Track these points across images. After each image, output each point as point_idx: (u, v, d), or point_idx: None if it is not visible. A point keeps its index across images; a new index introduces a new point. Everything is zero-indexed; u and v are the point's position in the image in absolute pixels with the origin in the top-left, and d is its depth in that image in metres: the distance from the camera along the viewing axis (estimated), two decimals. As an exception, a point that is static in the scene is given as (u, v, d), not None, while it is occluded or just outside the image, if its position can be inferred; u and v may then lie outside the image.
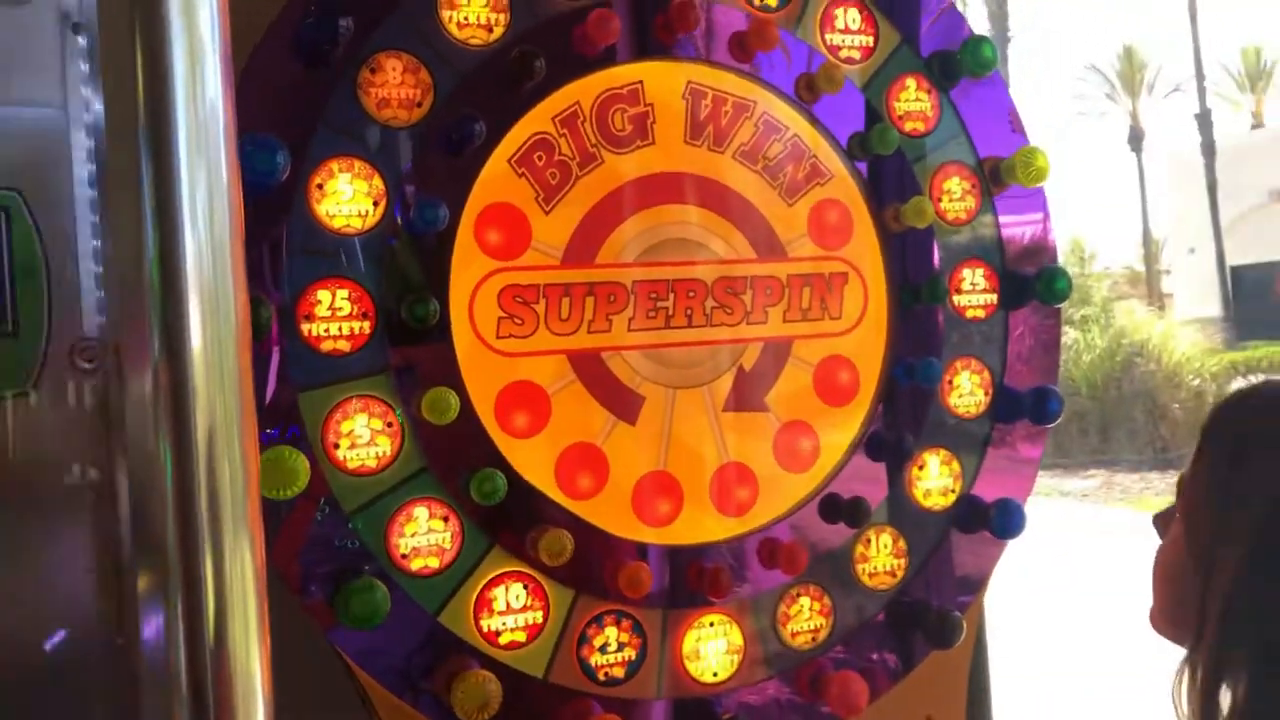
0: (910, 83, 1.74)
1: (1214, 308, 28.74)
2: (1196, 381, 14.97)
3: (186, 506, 0.86)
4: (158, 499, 0.86)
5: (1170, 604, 1.11)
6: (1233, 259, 30.25)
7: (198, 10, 0.87)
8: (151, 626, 0.85)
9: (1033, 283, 1.76)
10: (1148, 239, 35.58)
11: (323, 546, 1.42)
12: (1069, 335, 14.66)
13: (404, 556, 1.43)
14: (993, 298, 1.78)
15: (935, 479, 1.75)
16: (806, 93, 1.67)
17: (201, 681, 0.84)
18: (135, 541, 0.87)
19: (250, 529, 0.88)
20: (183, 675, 0.84)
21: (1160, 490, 12.53)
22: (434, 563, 1.45)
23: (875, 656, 1.72)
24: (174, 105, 0.85)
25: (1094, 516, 11.31)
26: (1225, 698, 0.99)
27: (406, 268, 1.46)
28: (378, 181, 1.42)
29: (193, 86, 0.86)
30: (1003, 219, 1.79)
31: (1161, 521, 1.16)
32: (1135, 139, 35.91)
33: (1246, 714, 0.96)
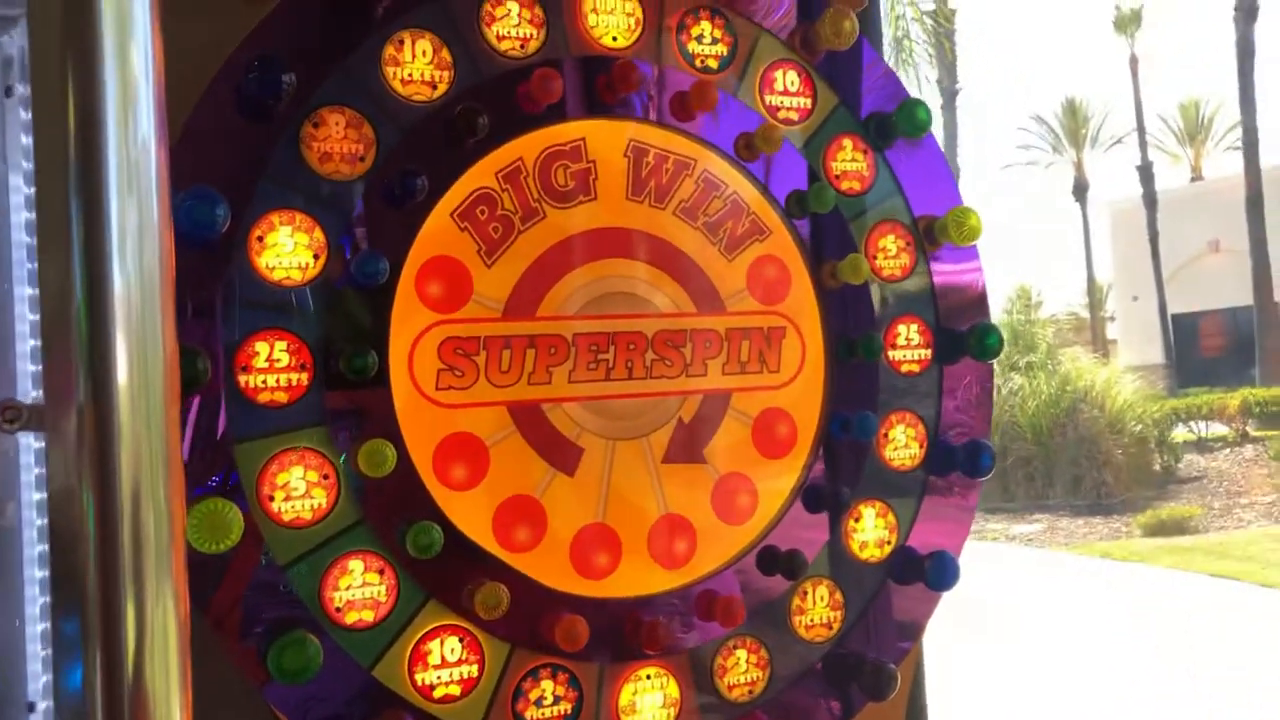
0: (847, 143, 1.78)
1: (1157, 354, 29.35)
2: (1139, 427, 15.23)
3: (109, 553, 0.85)
4: (80, 545, 0.86)
5: None
6: (1174, 307, 30.97)
7: (131, 51, 0.88)
8: (71, 676, 0.85)
9: (966, 338, 1.80)
10: (1092, 287, 36.28)
11: (258, 599, 1.41)
12: (1015, 381, 14.89)
13: (338, 610, 1.42)
14: (927, 353, 1.81)
15: (871, 531, 1.77)
16: (746, 151, 1.70)
17: (120, 731, 0.83)
18: (55, 588, 0.87)
19: (174, 578, 0.88)
20: (100, 726, 0.83)
21: (1103, 535, 12.70)
22: (369, 616, 1.44)
23: (812, 708, 1.73)
24: (105, 145, 0.86)
25: (1038, 560, 11.41)
26: None
27: (346, 320, 1.46)
28: (319, 234, 1.43)
29: (125, 127, 0.87)
30: (937, 276, 1.83)
31: None
32: (1079, 189, 36.72)
33: None
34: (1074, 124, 36.47)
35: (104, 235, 0.87)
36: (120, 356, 0.87)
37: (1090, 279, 36.93)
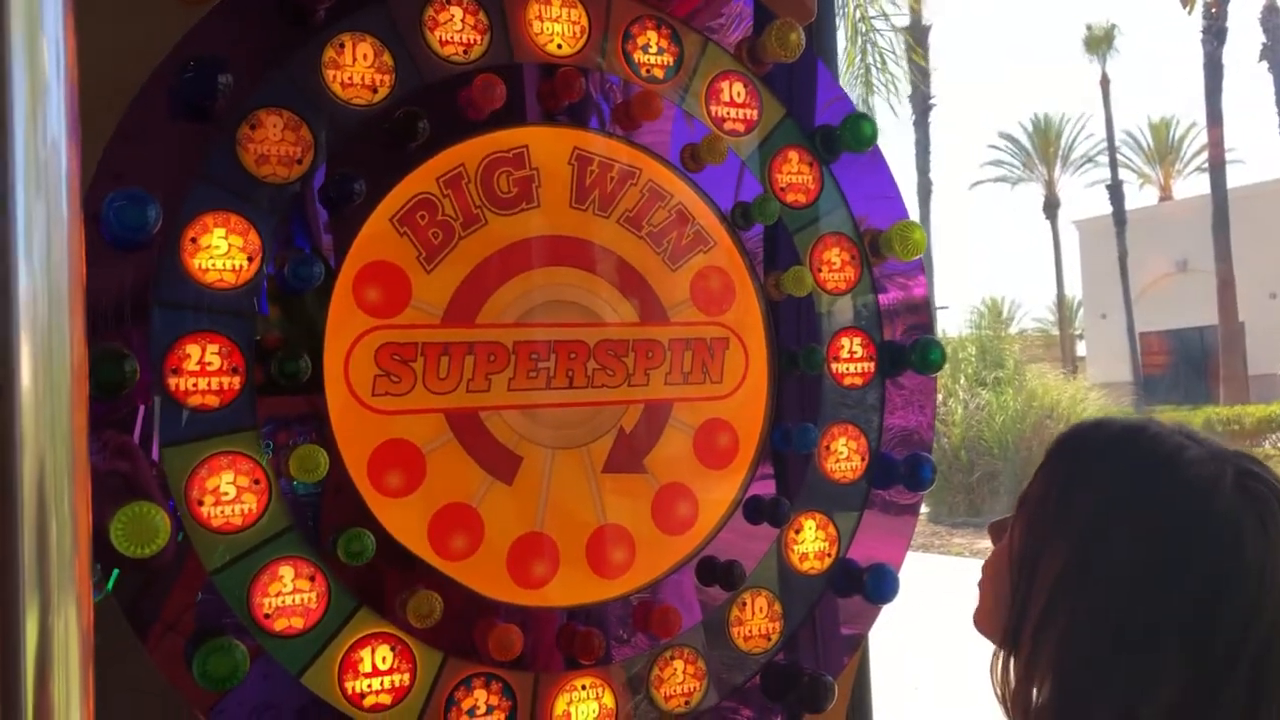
0: (793, 155, 1.79)
1: (1125, 372, 29.68)
2: (1104, 444, 15.34)
3: (8, 566, 0.84)
4: (-21, 556, 0.84)
5: (992, 605, 1.20)
6: (1142, 325, 31.33)
7: (42, 46, 0.86)
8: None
9: (909, 352, 1.81)
10: (1061, 304, 36.60)
11: (184, 606, 1.40)
12: (982, 397, 14.99)
13: (267, 616, 1.41)
14: (870, 365, 1.82)
15: (812, 543, 1.77)
16: (691, 162, 1.71)
17: (17, 753, 0.81)
18: (-51, 601, 0.85)
19: (77, 590, 0.86)
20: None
21: (1067, 550, 12.77)
22: (298, 623, 1.43)
23: (749, 719, 1.73)
24: (12, 144, 0.85)
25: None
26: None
27: (280, 323, 1.45)
28: (254, 237, 1.42)
29: (33, 126, 0.85)
30: (881, 289, 1.84)
31: (996, 530, 1.25)
32: (1050, 207, 37.08)
33: (1047, 709, 1.07)
34: (1045, 142, 36.85)
35: (9, 237, 0.85)
36: (24, 361, 0.86)
37: (1060, 296, 37.28)
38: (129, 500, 1.29)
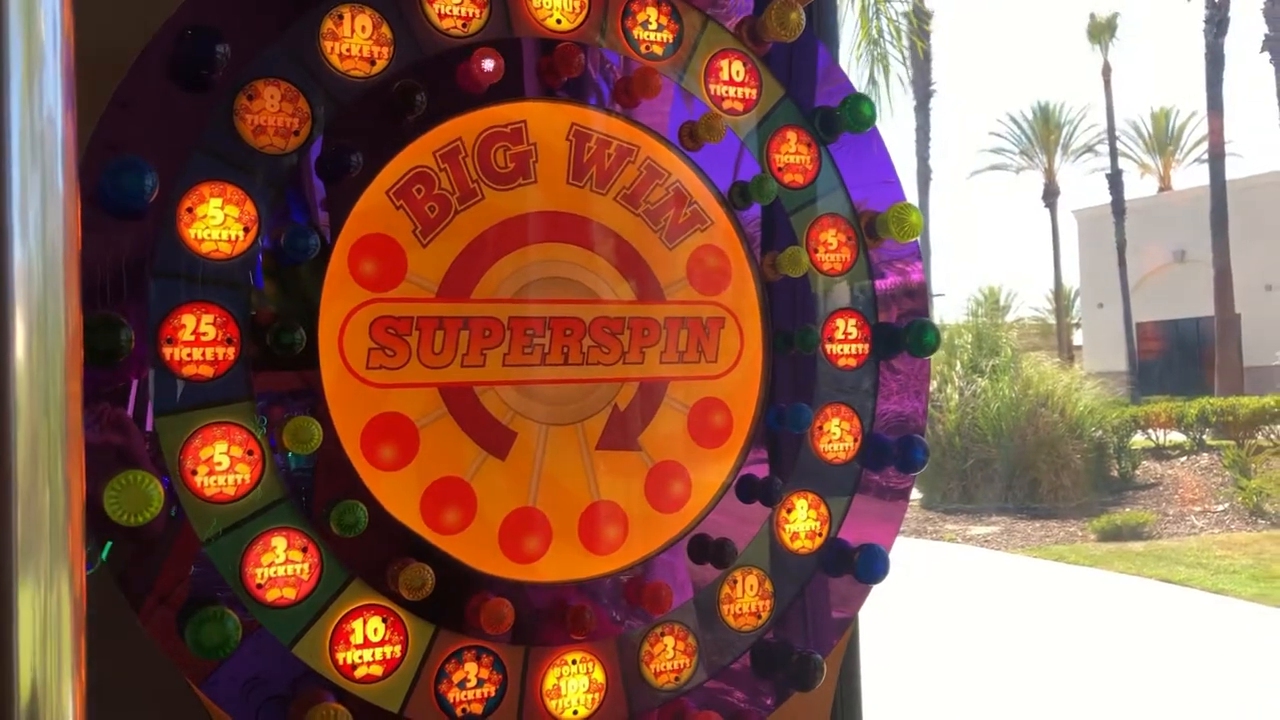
0: (791, 135, 1.79)
1: (1120, 362, 29.71)
2: (1098, 433, 15.41)
3: (1, 534, 0.84)
4: (-29, 524, 0.84)
5: None
6: (1139, 315, 31.35)
7: (38, 17, 0.86)
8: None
9: (903, 334, 1.81)
10: (1059, 293, 36.61)
11: (177, 576, 1.40)
12: (978, 384, 15.01)
13: (259, 586, 1.41)
14: (864, 347, 1.82)
15: (803, 522, 1.78)
16: (689, 140, 1.70)
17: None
18: (-58, 569, 0.85)
19: (70, 559, 0.87)
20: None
21: (1059, 538, 12.83)
22: (290, 593, 1.43)
23: (738, 697, 1.74)
24: (8, 115, 0.84)
25: (992, 562, 11.51)
26: None
27: (275, 295, 1.45)
28: (250, 207, 1.42)
29: (29, 95, 0.85)
30: (877, 271, 1.84)
31: None
32: (1049, 195, 37.05)
33: None
34: (1045, 130, 36.79)
35: (4, 207, 0.85)
36: (18, 331, 0.86)
37: (1058, 285, 37.30)
38: (121, 470, 1.30)
